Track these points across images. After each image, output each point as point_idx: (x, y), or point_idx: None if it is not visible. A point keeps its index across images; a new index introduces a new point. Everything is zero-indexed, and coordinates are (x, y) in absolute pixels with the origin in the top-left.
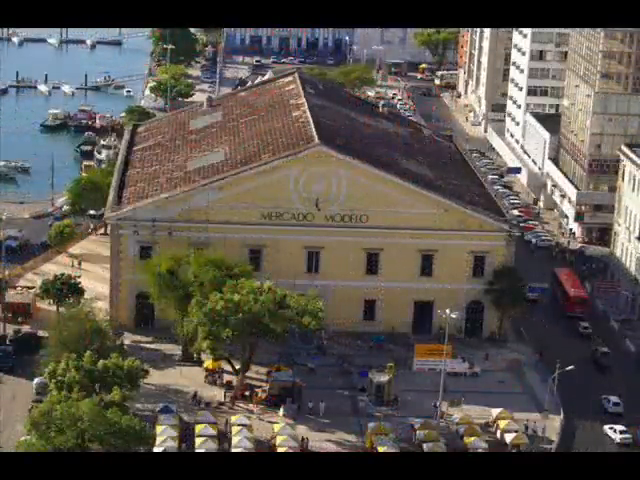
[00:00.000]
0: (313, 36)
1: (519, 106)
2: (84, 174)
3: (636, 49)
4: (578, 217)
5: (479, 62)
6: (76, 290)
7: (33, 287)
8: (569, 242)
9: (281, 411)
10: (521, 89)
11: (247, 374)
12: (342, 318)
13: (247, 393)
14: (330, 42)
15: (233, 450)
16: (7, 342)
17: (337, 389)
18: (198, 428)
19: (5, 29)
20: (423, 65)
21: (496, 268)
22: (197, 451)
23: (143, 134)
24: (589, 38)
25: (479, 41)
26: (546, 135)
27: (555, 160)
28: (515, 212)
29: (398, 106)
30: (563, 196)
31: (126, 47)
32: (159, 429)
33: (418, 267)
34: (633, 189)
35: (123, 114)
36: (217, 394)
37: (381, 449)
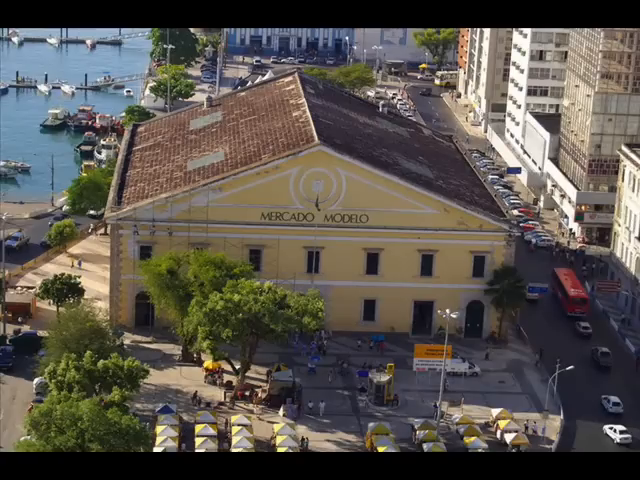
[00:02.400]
0: (313, 36)
1: (519, 106)
2: (84, 174)
3: (636, 49)
4: (578, 217)
5: (479, 62)
6: (76, 290)
7: (33, 287)
8: (569, 242)
9: (281, 411)
10: (521, 89)
11: (247, 374)
12: (342, 318)
13: (247, 393)
14: (330, 42)
15: (233, 450)
16: (7, 342)
17: (337, 389)
18: (198, 428)
19: (5, 29)
20: (423, 65)
21: (496, 268)
22: (197, 451)
23: (143, 134)
24: (589, 38)
25: (479, 41)
26: (546, 135)
27: (555, 160)
28: (515, 212)
29: (398, 106)
30: (563, 196)
31: (126, 47)
32: (159, 429)
33: (418, 267)
34: (633, 189)
35: (123, 114)
36: (217, 394)
37: (381, 449)
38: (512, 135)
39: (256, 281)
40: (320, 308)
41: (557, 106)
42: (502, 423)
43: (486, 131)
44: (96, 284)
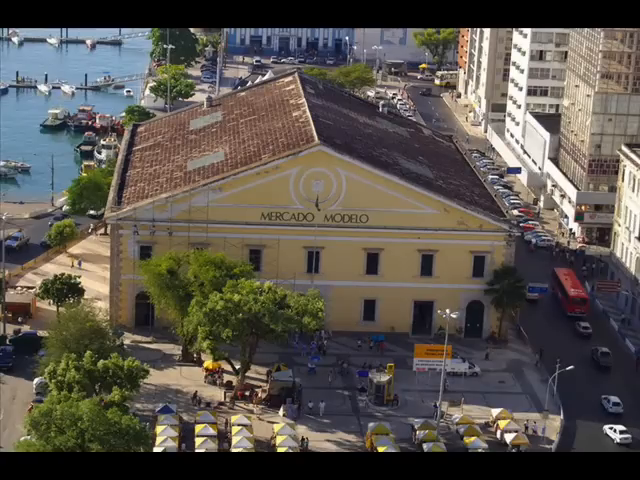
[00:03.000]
0: (313, 36)
1: (519, 106)
2: (84, 174)
3: (636, 49)
4: (578, 217)
5: (479, 62)
6: (76, 290)
7: (33, 287)
8: (569, 242)
9: (281, 411)
10: (521, 89)
11: (247, 374)
12: (342, 318)
13: (247, 393)
14: (330, 42)
15: (233, 450)
16: (7, 342)
17: (337, 389)
18: (198, 428)
19: (5, 29)
20: (423, 65)
21: (496, 268)
22: (197, 451)
23: (143, 134)
24: (589, 38)
25: (479, 41)
26: (546, 135)
27: (555, 160)
28: (515, 212)
29: (398, 106)
30: (563, 196)
31: (126, 47)
32: (159, 429)
33: (418, 267)
34: (633, 189)
35: (123, 114)
36: (217, 394)
37: (381, 449)
38: (512, 135)
39: (256, 281)
40: (320, 308)
41: (557, 106)
42: (502, 423)
43: (486, 131)
44: (96, 284)
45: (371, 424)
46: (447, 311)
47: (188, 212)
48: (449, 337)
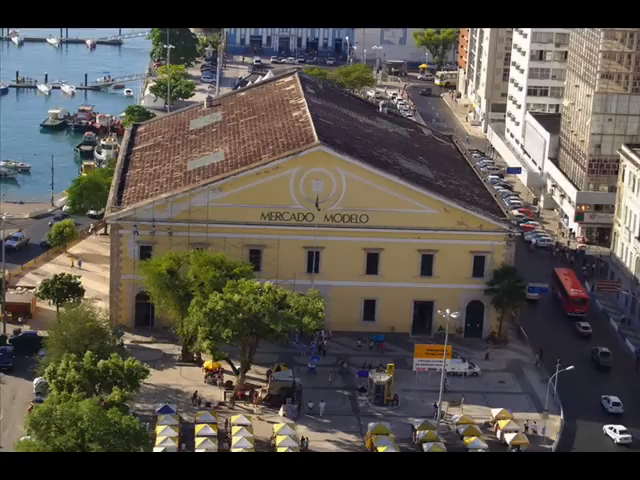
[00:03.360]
0: (313, 36)
1: (519, 106)
2: (84, 174)
3: (636, 49)
4: (578, 217)
5: (479, 62)
6: (76, 290)
7: (33, 287)
8: (569, 242)
9: (281, 411)
10: (521, 89)
11: (247, 374)
12: (342, 318)
13: (247, 393)
14: (330, 42)
15: (233, 450)
16: (7, 342)
17: (337, 389)
18: (198, 428)
19: (5, 29)
20: (423, 65)
21: (496, 268)
22: (197, 451)
23: (143, 134)
24: (589, 38)
25: (479, 41)
26: (546, 135)
27: (555, 160)
28: (515, 212)
29: (398, 106)
30: (563, 196)
31: (126, 47)
32: (159, 429)
33: (418, 267)
34: (633, 189)
35: (123, 114)
36: (217, 394)
37: (381, 449)
38: (512, 135)
39: (256, 281)
40: (320, 308)
41: (557, 106)
42: (502, 423)
43: (486, 131)
44: (96, 284)
45: (371, 424)
46: (447, 311)
47: (188, 212)
48: (449, 337)
